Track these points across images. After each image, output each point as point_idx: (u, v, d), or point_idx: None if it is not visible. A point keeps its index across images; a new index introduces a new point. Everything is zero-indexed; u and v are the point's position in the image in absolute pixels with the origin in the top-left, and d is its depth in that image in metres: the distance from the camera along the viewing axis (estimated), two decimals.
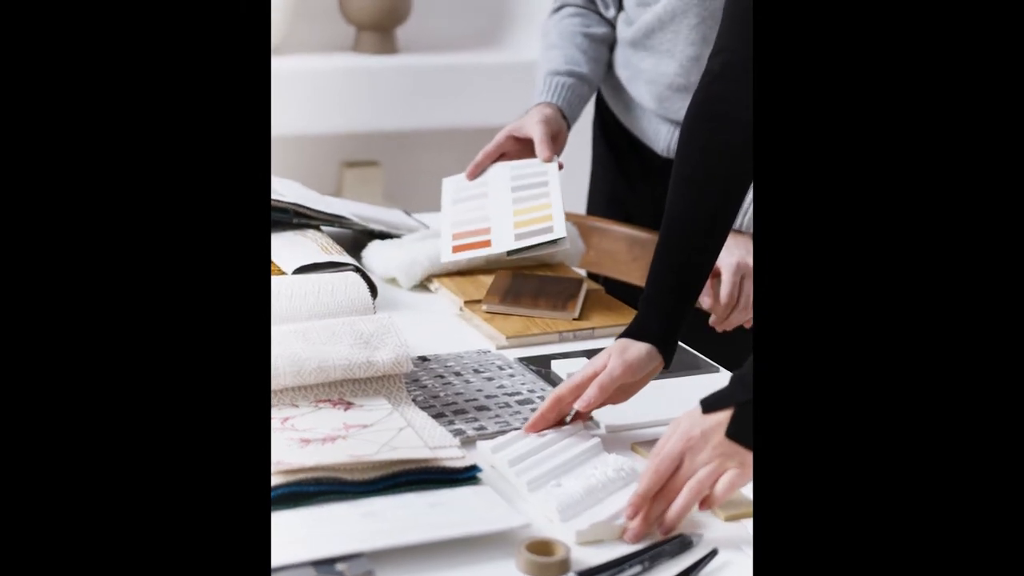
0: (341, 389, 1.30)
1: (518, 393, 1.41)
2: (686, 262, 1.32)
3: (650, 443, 1.27)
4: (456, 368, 1.46)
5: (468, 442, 1.28)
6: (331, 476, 1.12)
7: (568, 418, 1.30)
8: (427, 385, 1.41)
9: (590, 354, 1.45)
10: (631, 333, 1.31)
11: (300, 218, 1.76)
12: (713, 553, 1.10)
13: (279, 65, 2.89)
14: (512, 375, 1.45)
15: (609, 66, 1.91)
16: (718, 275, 1.67)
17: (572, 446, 1.26)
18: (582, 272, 1.87)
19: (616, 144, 1.97)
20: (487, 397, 1.39)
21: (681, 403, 1.19)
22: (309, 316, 1.40)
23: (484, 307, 1.62)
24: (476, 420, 1.33)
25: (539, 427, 1.28)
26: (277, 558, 1.01)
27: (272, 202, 1.73)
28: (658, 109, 1.84)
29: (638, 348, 1.29)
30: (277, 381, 1.26)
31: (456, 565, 1.07)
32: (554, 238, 1.67)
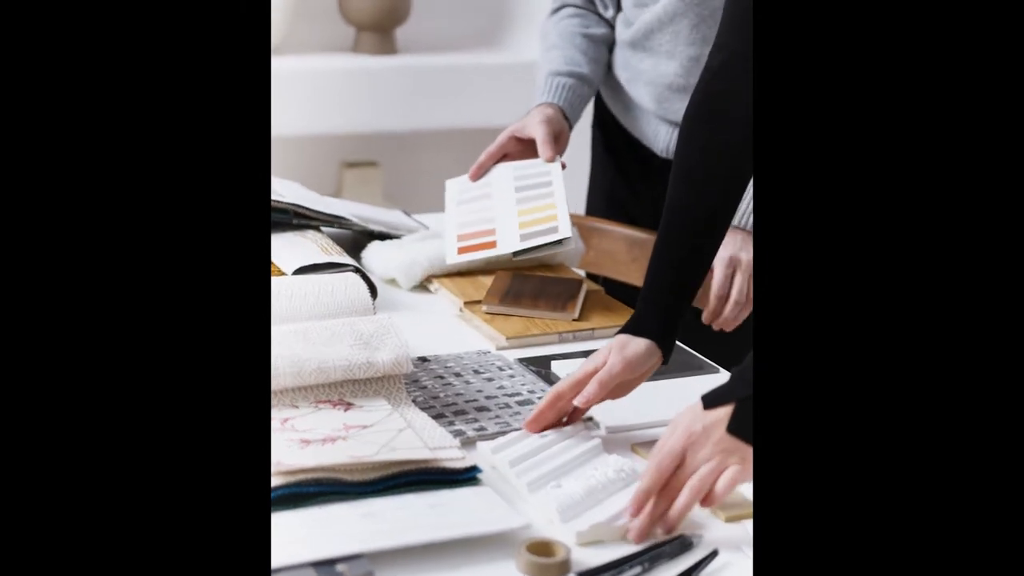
0: (341, 390, 1.30)
1: (518, 394, 1.40)
2: (685, 259, 1.33)
3: (650, 444, 1.27)
4: (456, 369, 1.46)
5: (468, 443, 1.28)
6: (331, 477, 1.12)
7: (566, 418, 1.31)
8: (427, 386, 1.41)
9: (590, 355, 1.45)
10: (630, 329, 1.31)
11: (300, 219, 1.76)
12: (713, 554, 1.10)
13: (279, 65, 2.89)
14: (512, 376, 1.45)
15: (608, 67, 1.91)
16: (710, 268, 1.67)
17: (572, 447, 1.26)
18: (581, 273, 1.87)
19: (615, 145, 1.97)
20: (487, 398, 1.39)
21: (681, 404, 1.19)
22: (309, 317, 1.39)
23: (484, 308, 1.62)
24: (476, 421, 1.33)
25: (538, 424, 1.28)
26: (277, 559, 1.01)
27: (272, 203, 1.73)
28: (657, 110, 1.84)
29: (637, 344, 1.29)
30: (277, 382, 1.26)
31: (456, 566, 1.07)
32: (560, 238, 1.67)
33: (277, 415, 1.24)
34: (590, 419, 1.33)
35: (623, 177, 1.97)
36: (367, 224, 1.83)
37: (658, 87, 1.82)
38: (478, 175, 1.82)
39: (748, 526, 1.15)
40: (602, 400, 1.29)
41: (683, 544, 1.11)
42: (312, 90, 2.99)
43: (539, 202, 1.72)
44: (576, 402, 1.28)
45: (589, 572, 1.07)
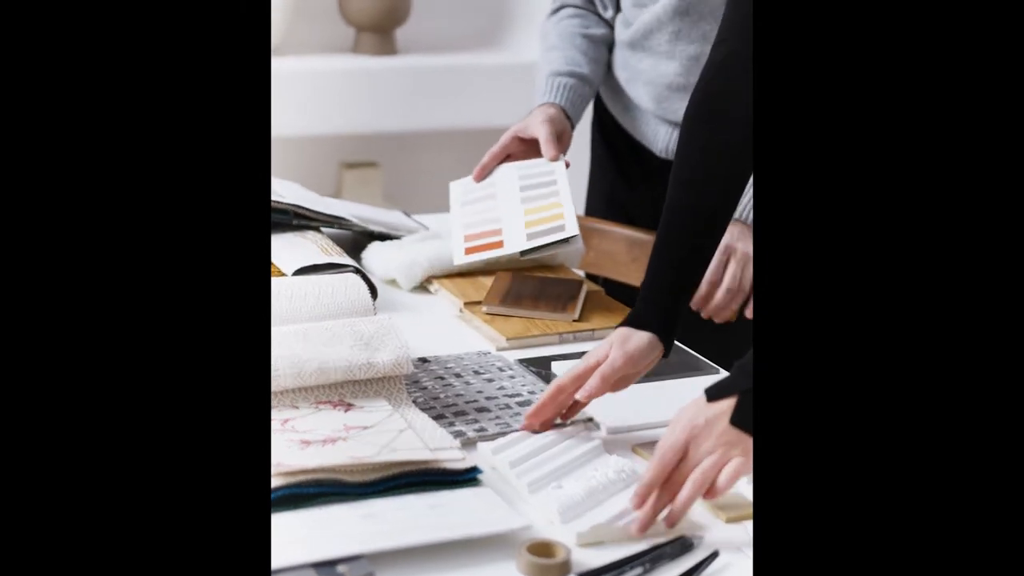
0: (341, 390, 1.30)
1: (518, 395, 1.40)
2: (685, 259, 1.33)
3: (651, 445, 1.26)
4: (456, 370, 1.46)
5: (468, 444, 1.28)
6: (331, 478, 1.12)
7: (565, 416, 1.31)
8: (427, 387, 1.41)
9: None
10: (631, 322, 1.31)
11: (300, 219, 1.76)
12: (714, 555, 1.10)
13: (279, 66, 2.89)
14: (512, 377, 1.45)
15: (608, 67, 1.91)
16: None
17: (573, 448, 1.26)
18: (581, 273, 1.87)
19: (615, 145, 1.97)
20: (487, 399, 1.39)
21: (681, 404, 1.19)
22: (309, 317, 1.39)
23: (484, 308, 1.62)
24: (476, 422, 1.33)
25: (539, 417, 1.28)
26: (277, 560, 1.01)
27: (272, 203, 1.73)
28: (657, 110, 1.84)
29: (639, 338, 1.29)
30: (277, 382, 1.26)
31: (456, 567, 1.07)
32: (567, 236, 1.67)
33: (277, 416, 1.24)
34: (590, 420, 1.33)
35: (623, 177, 1.97)
36: (367, 225, 1.83)
37: (657, 87, 1.82)
38: (482, 176, 1.82)
39: (749, 527, 1.15)
40: (603, 393, 1.29)
41: (684, 545, 1.11)
42: (312, 90, 2.99)
43: (544, 201, 1.72)
44: (578, 396, 1.28)
45: (590, 573, 1.07)
